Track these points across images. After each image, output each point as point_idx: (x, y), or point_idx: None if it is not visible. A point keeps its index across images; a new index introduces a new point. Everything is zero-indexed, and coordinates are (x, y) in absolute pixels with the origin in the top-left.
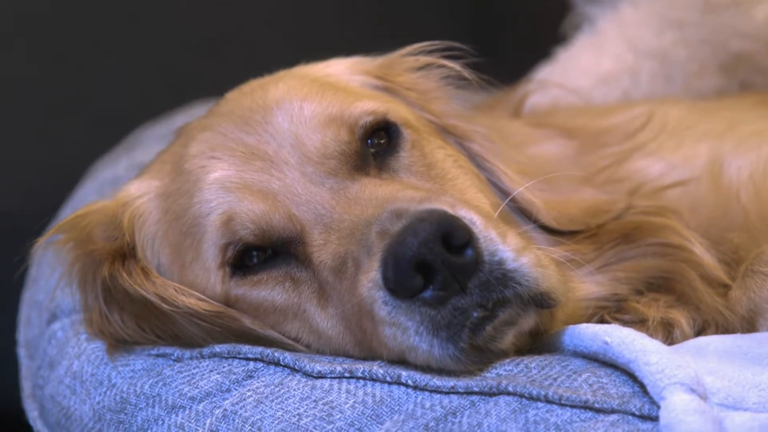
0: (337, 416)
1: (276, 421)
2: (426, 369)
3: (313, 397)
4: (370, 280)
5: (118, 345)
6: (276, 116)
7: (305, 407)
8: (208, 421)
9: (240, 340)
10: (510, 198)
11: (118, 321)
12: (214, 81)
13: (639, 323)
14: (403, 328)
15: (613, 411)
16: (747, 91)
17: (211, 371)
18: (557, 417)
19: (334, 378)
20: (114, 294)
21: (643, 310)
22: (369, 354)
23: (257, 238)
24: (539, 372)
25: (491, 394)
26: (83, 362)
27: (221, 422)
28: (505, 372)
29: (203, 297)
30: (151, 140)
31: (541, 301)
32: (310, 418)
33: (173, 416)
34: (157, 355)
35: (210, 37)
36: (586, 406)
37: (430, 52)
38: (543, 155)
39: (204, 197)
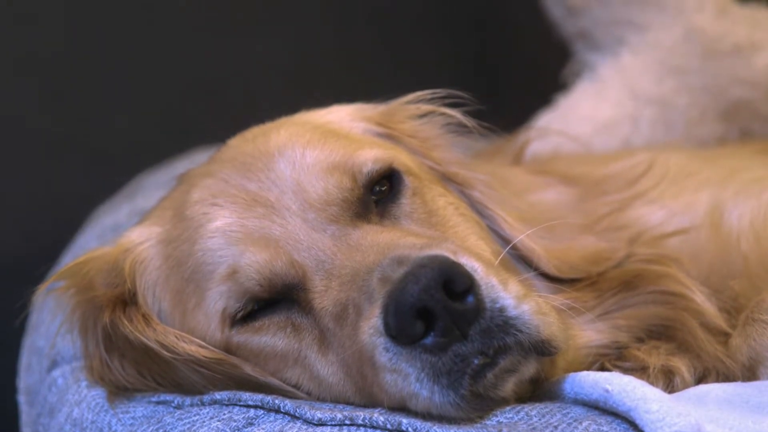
0: None
1: None
2: (427, 416)
3: None
4: (371, 326)
5: (119, 392)
6: (278, 163)
7: None
8: None
9: (241, 387)
10: (511, 245)
11: (118, 368)
12: (216, 127)
13: (640, 371)
14: (404, 374)
15: None
16: (747, 139)
17: (212, 418)
18: None
19: (335, 425)
20: (115, 341)
21: (643, 357)
22: (370, 401)
23: (263, 289)
24: (540, 420)
25: None
26: (83, 409)
27: None
28: (505, 419)
29: (204, 344)
30: (152, 187)
31: (542, 349)
32: None
33: None
34: (158, 402)
35: (211, 83)
36: None
37: (432, 99)
38: (544, 203)
39: (206, 245)
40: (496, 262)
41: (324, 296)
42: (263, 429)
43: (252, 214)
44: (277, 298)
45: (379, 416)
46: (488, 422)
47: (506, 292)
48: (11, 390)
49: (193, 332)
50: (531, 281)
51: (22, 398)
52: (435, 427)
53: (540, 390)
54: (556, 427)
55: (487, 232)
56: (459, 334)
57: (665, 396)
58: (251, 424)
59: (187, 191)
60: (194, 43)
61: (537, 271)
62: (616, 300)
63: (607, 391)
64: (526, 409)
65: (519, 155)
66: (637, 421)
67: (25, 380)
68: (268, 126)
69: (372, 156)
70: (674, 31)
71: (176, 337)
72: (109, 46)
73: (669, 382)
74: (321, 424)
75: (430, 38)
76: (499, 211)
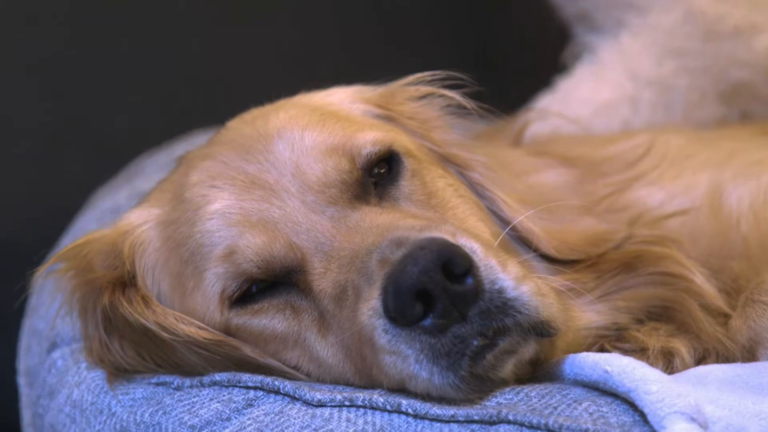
0: None
1: None
2: (426, 397)
3: (313, 426)
4: (370, 308)
5: (118, 373)
6: (277, 145)
7: None
8: None
9: (240, 368)
10: (510, 227)
11: (118, 349)
12: (215, 109)
13: (639, 352)
14: (404, 356)
15: None
16: (747, 121)
17: (211, 400)
18: None
19: (335, 406)
20: (114, 322)
21: (643, 339)
22: (369, 382)
23: (261, 271)
24: (540, 401)
25: (491, 423)
26: (83, 391)
27: None
28: (505, 400)
29: (203, 325)
30: (151, 169)
31: (541, 330)
32: None
33: None
34: (157, 384)
35: (211, 66)
36: None
37: (431, 81)
38: (543, 184)
39: (205, 227)
40: (496, 243)
41: (323, 278)
42: (263, 410)
43: (251, 196)
44: (276, 280)
45: (378, 397)
46: (488, 403)
47: (505, 274)
48: (11, 372)
49: (192, 314)
50: (530, 263)
51: (21, 380)
52: (434, 409)
53: (539, 371)
54: (555, 408)
55: (487, 214)
56: (458, 315)
57: (665, 377)
58: (251, 405)
59: (186, 173)
60: (194, 26)
61: (536, 252)
62: (615, 281)
63: (606, 372)
64: (525, 390)
65: (518, 137)
66: (637, 402)
67: (24, 362)
68: (268, 108)
69: (371, 138)
70: (674, 13)
71: (175, 318)
72: (109, 29)
73: (669, 364)
74: (320, 405)
75: (429, 19)
76: (498, 192)
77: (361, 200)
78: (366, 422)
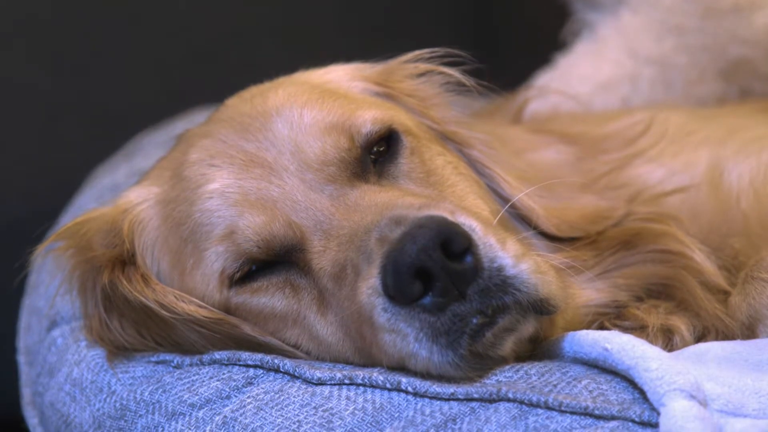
0: (337, 423)
1: (276, 428)
2: (426, 375)
3: (313, 404)
4: (369, 287)
5: (118, 352)
6: (276, 123)
7: (305, 414)
8: (207, 428)
9: (240, 347)
10: (510, 204)
11: (117, 328)
12: (214, 87)
13: (639, 330)
14: (403, 334)
15: (613, 417)
16: (747, 98)
17: (211, 378)
18: (557, 424)
19: (334, 385)
20: (114, 301)
21: (643, 316)
22: (369, 361)
23: (261, 250)
24: (539, 378)
25: (491, 401)
26: (83, 369)
27: (221, 429)
28: (504, 378)
29: (203, 304)
30: (150, 147)
31: (541, 308)
32: (310, 425)
33: (173, 423)
34: (157, 362)
35: (210, 43)
36: (586, 413)
37: (430, 58)
38: (543, 162)
39: (204, 206)
40: (495, 221)
41: (322, 257)
42: (263, 388)
43: (249, 174)
44: (275, 259)
45: (378, 375)
46: (487, 381)
47: (504, 252)
48: (11, 350)
49: (191, 292)
50: (530, 240)
51: (21, 358)
52: (434, 387)
53: (539, 349)
54: (555, 386)
55: (486, 191)
56: (457, 293)
57: (664, 354)
58: (251, 383)
59: (185, 151)
60: (193, 3)
61: (536, 230)
62: (615, 259)
63: (606, 349)
64: (525, 368)
65: (518, 114)
66: (636, 380)
67: (24, 340)
68: (266, 86)
69: (371, 116)
70: None
71: (175, 296)
72: (108, 8)
73: (668, 341)
74: (320, 383)
75: None
76: (497, 170)
77: (360, 178)
78: (366, 400)
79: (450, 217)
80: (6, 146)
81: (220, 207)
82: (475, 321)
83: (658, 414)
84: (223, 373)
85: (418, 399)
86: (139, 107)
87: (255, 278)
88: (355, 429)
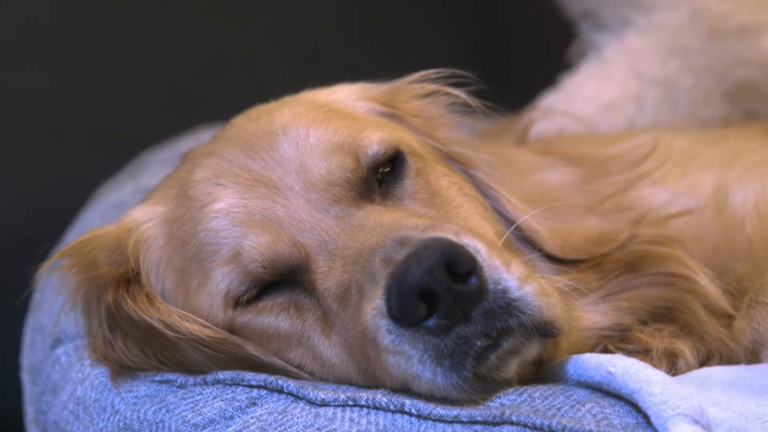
0: None
1: None
2: (430, 398)
3: (317, 425)
4: (373, 308)
5: (122, 371)
6: (281, 143)
7: None
8: None
9: (244, 367)
10: (514, 226)
11: (121, 347)
12: (220, 105)
13: (643, 353)
14: (407, 356)
15: None
16: (752, 121)
17: (215, 398)
18: None
19: (338, 406)
20: (118, 320)
21: (647, 340)
22: (372, 382)
23: (266, 270)
24: (543, 402)
25: (495, 424)
26: (87, 388)
27: None
28: (508, 401)
29: (207, 324)
30: (156, 165)
31: (545, 330)
32: None
33: None
34: (161, 382)
35: (216, 62)
36: None
37: (436, 79)
38: (548, 183)
39: (209, 226)
40: (500, 242)
41: (327, 277)
42: (266, 409)
43: (255, 194)
44: (280, 279)
45: (382, 397)
46: (491, 404)
47: (509, 274)
48: (14, 367)
49: (196, 312)
50: (534, 262)
51: (25, 376)
52: (438, 409)
53: (543, 372)
54: (559, 409)
55: (491, 213)
56: (462, 315)
57: (668, 378)
58: (254, 404)
59: (191, 170)
60: (199, 21)
61: (540, 252)
62: (619, 282)
63: (610, 373)
64: (529, 391)
65: (523, 135)
66: (640, 404)
67: (28, 358)
68: (272, 105)
69: (377, 138)
70: (680, 12)
71: (179, 316)
72: (114, 24)
73: (672, 365)
74: (324, 404)
75: (434, 17)
76: (502, 191)
77: (366, 199)
78: (369, 422)
79: (455, 239)
80: (10, 162)
81: (225, 227)
82: (479, 343)
83: None
84: (227, 394)
85: (421, 421)
86: (144, 125)
87: (260, 298)
88: None
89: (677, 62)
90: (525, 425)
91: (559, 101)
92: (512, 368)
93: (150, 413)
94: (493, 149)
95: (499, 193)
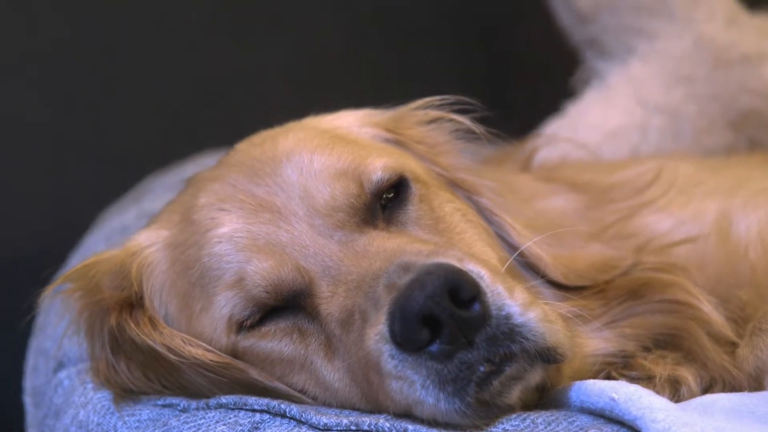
0: None
1: None
2: (432, 423)
3: None
4: (377, 333)
5: (125, 394)
6: (285, 168)
7: None
8: None
9: (247, 391)
10: (518, 252)
11: (124, 370)
12: (224, 130)
13: (646, 380)
14: (410, 381)
15: None
16: (756, 149)
17: (218, 422)
18: None
19: (341, 431)
20: (121, 343)
21: (650, 366)
22: (375, 407)
23: (269, 295)
24: (545, 427)
25: None
26: (89, 411)
27: None
28: (511, 427)
29: (210, 348)
30: (160, 190)
31: (548, 356)
32: None
33: None
34: (164, 406)
35: (220, 87)
36: None
37: (440, 106)
38: (551, 210)
39: (213, 251)
40: (503, 269)
41: (330, 302)
42: None
43: (258, 219)
44: (283, 304)
45: (384, 422)
46: (494, 430)
47: (512, 300)
48: (17, 391)
49: (199, 336)
50: (537, 288)
51: (28, 399)
52: None
53: (546, 398)
54: None
55: (495, 239)
56: (465, 341)
57: (671, 405)
58: (257, 428)
59: (195, 195)
60: (203, 46)
61: (544, 278)
62: (622, 308)
63: (613, 399)
64: (531, 417)
65: (527, 162)
66: (643, 430)
67: (31, 381)
68: (276, 130)
69: (381, 164)
70: (684, 40)
71: (182, 340)
72: (118, 49)
73: (675, 392)
74: (327, 429)
75: (438, 43)
76: (506, 217)
77: (369, 224)
78: None
79: (458, 265)
80: (14, 186)
81: (228, 252)
82: (482, 369)
83: None
84: (230, 418)
85: None
86: (148, 150)
87: (263, 323)
88: None
89: (681, 90)
90: None
91: (563, 128)
92: (515, 394)
93: None
94: (496, 176)
95: (502, 220)
